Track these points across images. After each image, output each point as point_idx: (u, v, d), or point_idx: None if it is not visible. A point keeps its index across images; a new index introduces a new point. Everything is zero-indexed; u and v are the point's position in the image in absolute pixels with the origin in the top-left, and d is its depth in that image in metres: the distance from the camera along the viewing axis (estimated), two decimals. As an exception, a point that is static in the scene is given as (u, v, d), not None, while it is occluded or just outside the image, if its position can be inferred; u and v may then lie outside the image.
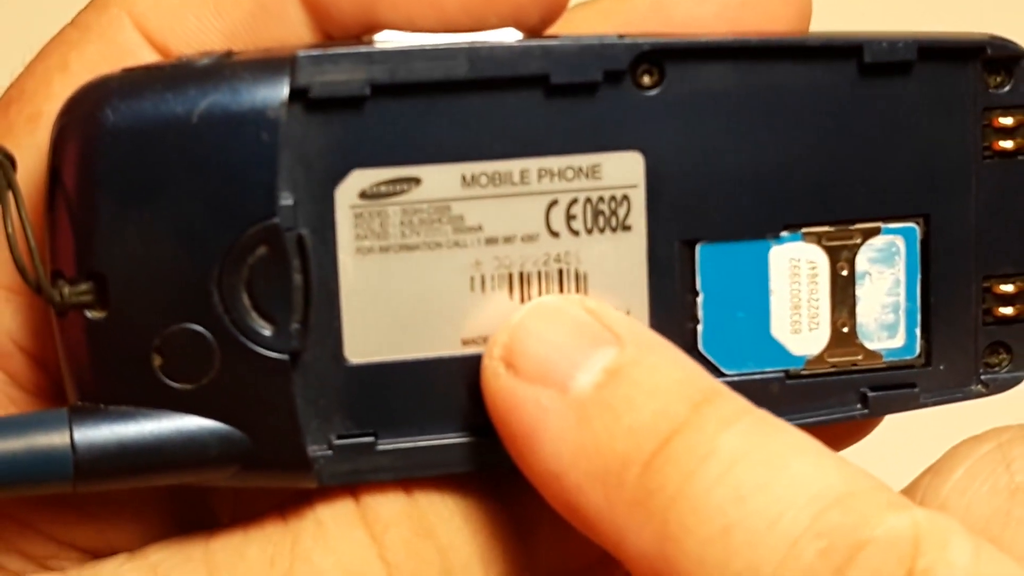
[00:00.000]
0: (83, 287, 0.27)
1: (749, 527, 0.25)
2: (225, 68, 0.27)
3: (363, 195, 0.28)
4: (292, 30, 0.29)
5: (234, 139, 0.27)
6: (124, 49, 0.29)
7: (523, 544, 0.29)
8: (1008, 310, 0.30)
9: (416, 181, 0.28)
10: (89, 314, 0.27)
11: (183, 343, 0.27)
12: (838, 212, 0.30)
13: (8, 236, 0.27)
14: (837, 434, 0.32)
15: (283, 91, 0.27)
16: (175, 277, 0.27)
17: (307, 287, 0.28)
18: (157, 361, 0.27)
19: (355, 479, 0.28)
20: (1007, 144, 0.30)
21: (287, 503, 0.29)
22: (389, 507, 0.28)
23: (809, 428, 0.30)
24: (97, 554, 0.29)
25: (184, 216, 0.27)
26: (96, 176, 0.27)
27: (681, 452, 0.26)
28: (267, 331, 0.27)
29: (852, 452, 0.30)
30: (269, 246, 0.27)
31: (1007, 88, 0.30)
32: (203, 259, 0.27)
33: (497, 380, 0.28)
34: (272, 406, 0.27)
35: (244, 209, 0.27)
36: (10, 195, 0.27)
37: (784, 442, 0.26)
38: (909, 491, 0.30)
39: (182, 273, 0.27)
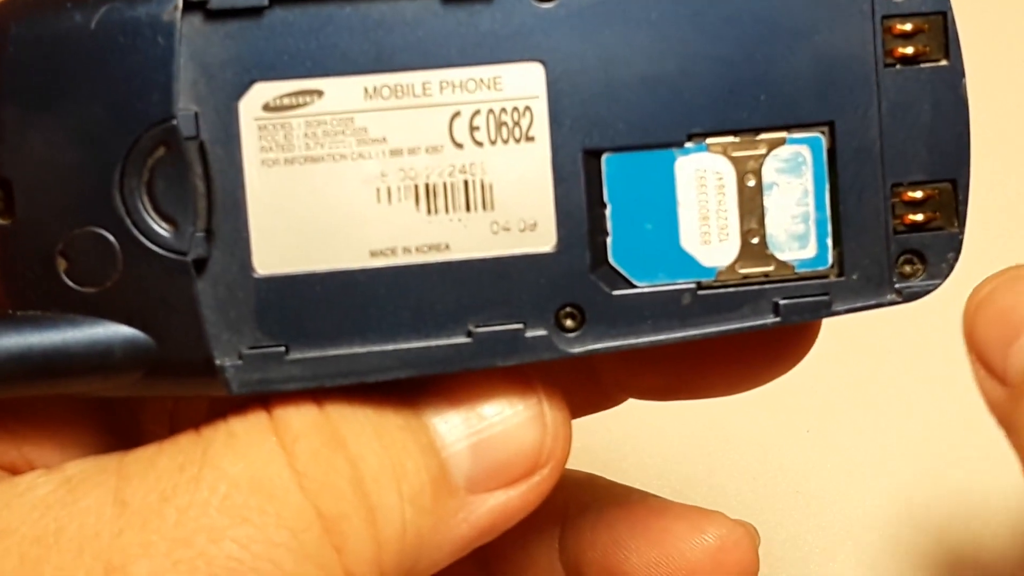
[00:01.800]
0: None
1: None
2: None
3: (266, 107, 0.29)
4: None
5: (131, 44, 0.28)
6: None
7: (435, 459, 0.29)
8: (918, 216, 0.31)
9: (318, 93, 0.29)
10: None
11: (87, 246, 0.28)
12: (741, 121, 0.30)
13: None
14: (771, 353, 0.32)
15: None
16: (78, 181, 0.28)
17: (210, 195, 0.28)
18: (62, 265, 0.28)
19: (266, 388, 0.29)
20: (907, 50, 0.30)
21: (204, 423, 0.29)
22: (301, 419, 0.29)
23: (725, 336, 0.30)
24: (16, 471, 0.29)
25: (85, 121, 0.28)
26: (1, 86, 0.28)
27: None
28: (168, 233, 0.28)
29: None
30: (168, 148, 0.28)
31: None
32: (104, 162, 0.28)
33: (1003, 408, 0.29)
34: (176, 308, 0.28)
35: (142, 112, 0.28)
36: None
37: None
38: None
39: (84, 177, 0.28)
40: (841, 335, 0.38)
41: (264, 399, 0.29)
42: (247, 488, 0.27)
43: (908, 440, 0.34)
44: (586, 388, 0.36)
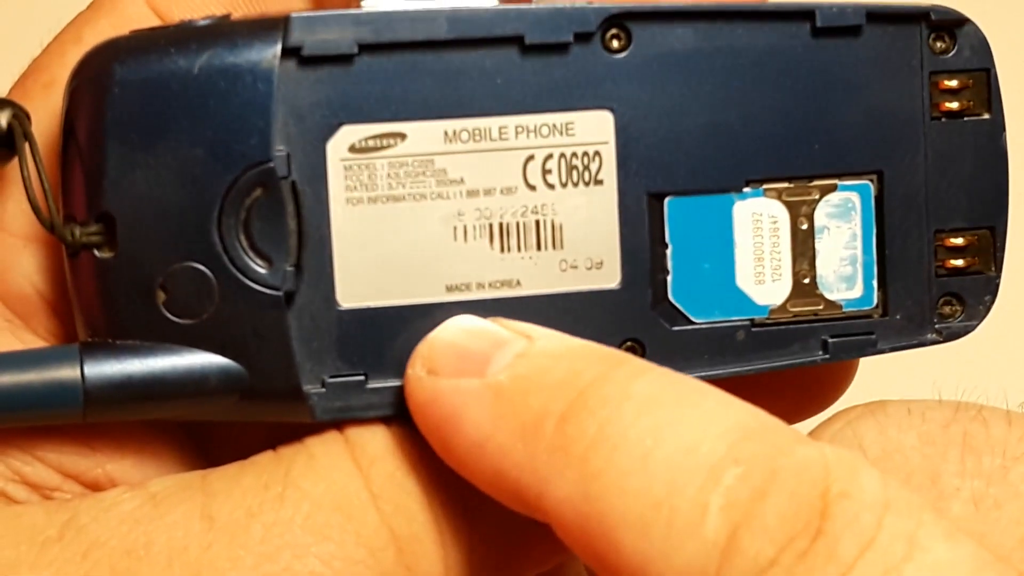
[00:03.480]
0: (93, 228, 0.29)
1: (667, 456, 0.26)
2: (224, 27, 0.29)
3: (352, 149, 0.30)
4: (287, 2, 0.31)
5: (232, 88, 0.29)
6: (134, 21, 0.31)
7: None
8: (959, 262, 0.33)
9: (402, 136, 0.30)
10: (98, 254, 0.29)
11: (185, 280, 0.29)
12: (796, 168, 0.32)
13: (24, 181, 0.29)
14: (813, 391, 0.34)
15: (277, 45, 0.29)
16: (178, 218, 0.29)
17: (300, 232, 0.30)
18: (161, 297, 0.29)
19: (347, 415, 0.30)
20: (953, 105, 0.32)
21: (280, 443, 0.30)
22: (375, 443, 0.30)
23: (776, 372, 0.32)
24: (98, 488, 0.31)
25: (186, 160, 0.29)
26: (105, 124, 0.29)
27: (596, 400, 0.28)
28: (263, 269, 0.29)
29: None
30: (265, 189, 0.29)
31: (951, 54, 0.32)
32: (204, 201, 0.29)
33: (420, 383, 0.29)
34: (267, 340, 0.30)
35: (241, 153, 0.29)
36: (27, 146, 0.29)
37: (693, 387, 0.28)
38: None
39: (184, 214, 0.29)
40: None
41: (338, 422, 0.30)
42: (328, 508, 0.29)
43: None
44: None
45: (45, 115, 0.31)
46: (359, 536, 0.29)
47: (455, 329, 0.30)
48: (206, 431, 0.33)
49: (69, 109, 0.29)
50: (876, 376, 0.37)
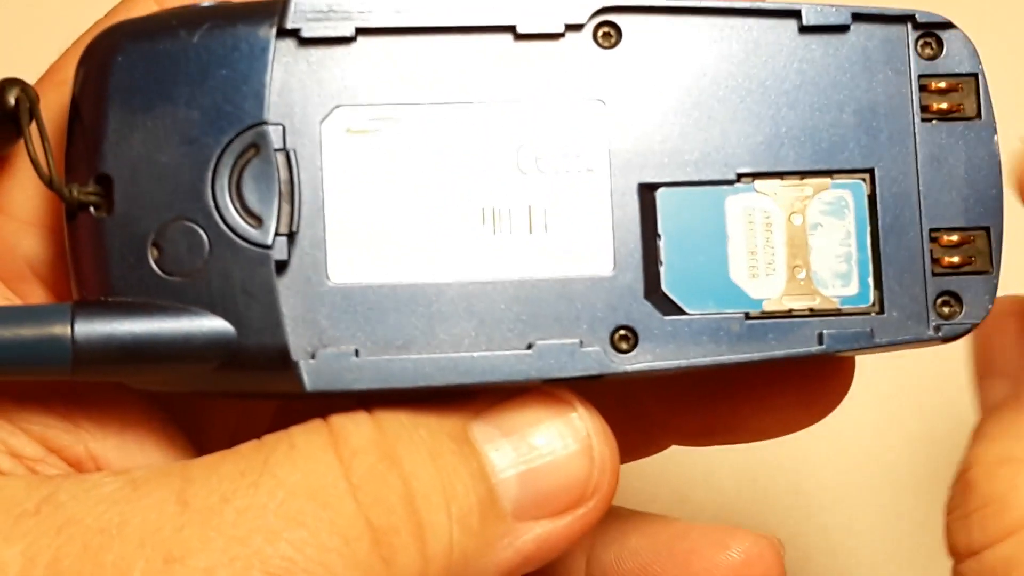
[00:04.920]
0: (91, 188, 0.30)
1: None
2: (227, 6, 0.31)
3: (348, 131, 0.31)
4: None
5: (228, 55, 0.30)
6: None
7: (485, 484, 0.31)
8: (955, 259, 0.32)
9: (396, 120, 0.31)
10: (95, 213, 0.30)
11: (177, 237, 0.30)
12: (787, 164, 0.32)
13: (27, 145, 0.30)
14: (810, 395, 0.34)
15: (275, 18, 0.31)
16: (172, 178, 0.30)
17: (293, 203, 0.30)
18: (154, 255, 0.30)
19: (338, 386, 0.30)
20: (943, 105, 0.33)
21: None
22: (359, 436, 0.30)
23: (774, 375, 0.32)
24: (81, 467, 0.31)
25: (183, 123, 0.30)
26: (108, 90, 0.30)
27: None
28: (252, 228, 0.30)
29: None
30: (257, 151, 0.30)
31: (939, 59, 0.33)
32: (198, 161, 0.30)
33: None
34: (256, 298, 0.30)
35: (236, 116, 0.30)
36: (32, 122, 0.30)
37: None
38: None
39: (178, 174, 0.30)
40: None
41: (324, 415, 0.30)
42: (304, 495, 0.29)
43: (908, 440, 0.35)
44: (631, 432, 0.37)
45: (57, 105, 0.32)
46: (333, 524, 0.29)
47: None
48: (200, 427, 0.33)
49: (77, 83, 0.31)
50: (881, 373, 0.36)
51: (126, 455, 0.31)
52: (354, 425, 0.30)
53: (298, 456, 0.29)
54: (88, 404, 0.31)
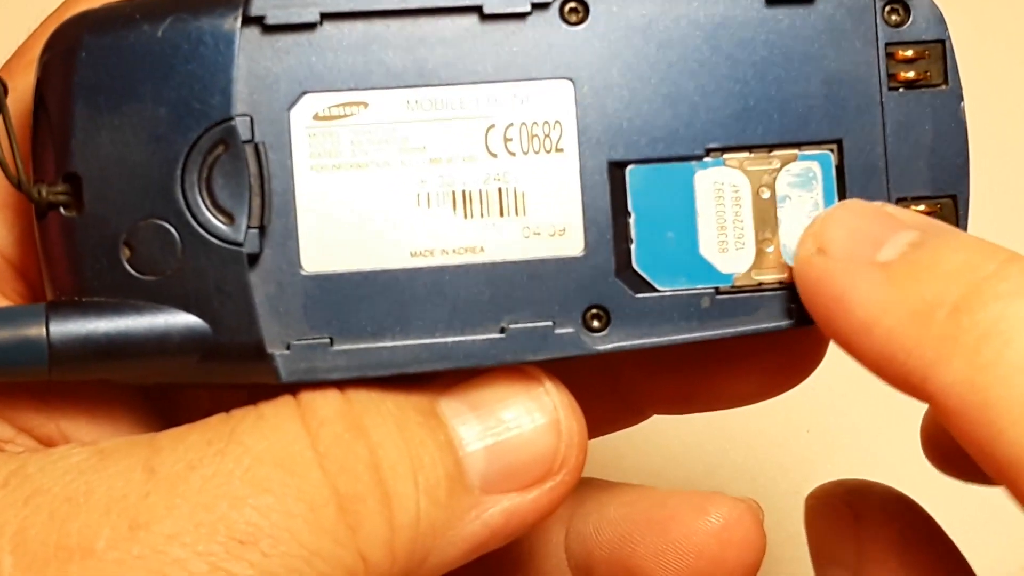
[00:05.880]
0: (60, 188, 0.30)
1: None
2: None
3: (316, 117, 0.31)
4: None
5: (193, 50, 0.30)
6: None
7: (452, 456, 0.31)
8: (922, 228, 0.33)
9: (364, 105, 0.31)
10: (65, 212, 0.30)
11: (149, 236, 0.30)
12: (755, 137, 0.32)
13: (-3, 149, 0.30)
14: (787, 362, 0.34)
15: (239, 10, 0.30)
16: (142, 177, 0.30)
17: (263, 195, 0.30)
18: (126, 254, 0.30)
19: (313, 376, 0.31)
20: (910, 74, 0.33)
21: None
22: (327, 406, 0.30)
23: (741, 343, 0.32)
24: (52, 444, 0.31)
25: (150, 120, 0.30)
26: (73, 87, 0.30)
27: (991, 294, 0.28)
28: (224, 225, 0.30)
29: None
30: (226, 148, 0.30)
31: (906, 26, 0.33)
32: (167, 159, 0.30)
33: (810, 263, 0.31)
34: (230, 295, 0.30)
35: (203, 112, 0.30)
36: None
37: None
38: None
39: (148, 172, 0.30)
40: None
41: (293, 389, 0.30)
42: (270, 463, 0.29)
43: (908, 440, 0.36)
44: (610, 402, 0.38)
45: (24, 91, 0.31)
46: (300, 491, 0.29)
47: (848, 210, 0.31)
48: (173, 406, 0.34)
49: (40, 77, 0.30)
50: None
51: (98, 429, 0.32)
52: (322, 398, 0.30)
53: (265, 425, 0.30)
54: (60, 384, 0.31)
